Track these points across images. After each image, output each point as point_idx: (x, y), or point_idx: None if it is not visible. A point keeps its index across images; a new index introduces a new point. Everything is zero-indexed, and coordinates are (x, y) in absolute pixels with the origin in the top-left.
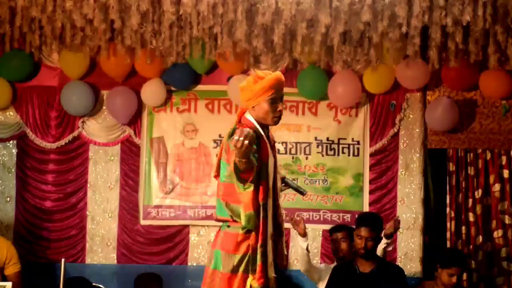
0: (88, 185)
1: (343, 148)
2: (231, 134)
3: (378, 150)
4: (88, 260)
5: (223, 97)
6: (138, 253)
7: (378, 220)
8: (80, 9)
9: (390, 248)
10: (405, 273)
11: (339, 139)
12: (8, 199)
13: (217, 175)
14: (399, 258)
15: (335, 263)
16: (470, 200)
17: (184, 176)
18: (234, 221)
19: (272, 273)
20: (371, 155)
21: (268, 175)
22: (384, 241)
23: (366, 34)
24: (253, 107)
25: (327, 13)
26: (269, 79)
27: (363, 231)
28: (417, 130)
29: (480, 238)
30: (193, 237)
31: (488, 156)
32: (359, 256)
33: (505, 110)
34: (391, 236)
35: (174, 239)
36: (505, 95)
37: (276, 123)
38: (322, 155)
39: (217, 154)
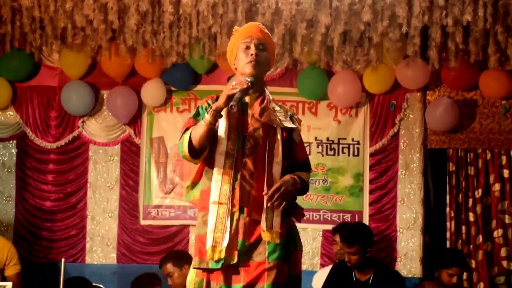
0: (88, 185)
1: (343, 148)
2: None
3: (378, 150)
4: (88, 260)
5: None
6: (138, 253)
7: (355, 237)
8: (81, 9)
9: None
10: (405, 273)
11: (339, 139)
12: (8, 199)
13: None
14: (399, 258)
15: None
16: (470, 200)
17: (184, 176)
18: None
19: (211, 244)
20: (371, 155)
21: (218, 141)
22: None
23: (366, 34)
24: (235, 67)
25: (327, 13)
26: (240, 28)
27: (344, 247)
28: (417, 130)
29: (480, 237)
30: (193, 237)
31: (488, 156)
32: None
33: (505, 110)
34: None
35: (174, 239)
36: (505, 95)
37: (251, 68)
38: (322, 155)
39: None
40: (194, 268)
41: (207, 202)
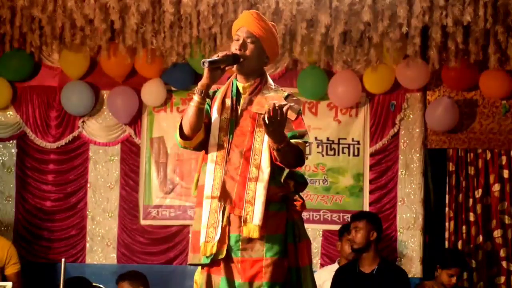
0: (88, 185)
1: (343, 148)
2: None
3: (378, 150)
4: (88, 260)
5: None
6: (138, 253)
7: (364, 213)
8: (81, 9)
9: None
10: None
11: (339, 139)
12: (8, 199)
13: None
14: (399, 258)
15: (336, 264)
16: (470, 200)
17: (184, 176)
18: None
19: (205, 240)
20: (371, 155)
21: (210, 133)
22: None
23: (366, 34)
24: None
25: (327, 13)
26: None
27: (352, 224)
28: (417, 130)
29: (480, 237)
30: None
31: (488, 156)
32: (355, 253)
33: (505, 110)
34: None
35: (174, 239)
36: (505, 95)
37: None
38: (322, 155)
39: None
40: (188, 264)
41: (202, 197)
